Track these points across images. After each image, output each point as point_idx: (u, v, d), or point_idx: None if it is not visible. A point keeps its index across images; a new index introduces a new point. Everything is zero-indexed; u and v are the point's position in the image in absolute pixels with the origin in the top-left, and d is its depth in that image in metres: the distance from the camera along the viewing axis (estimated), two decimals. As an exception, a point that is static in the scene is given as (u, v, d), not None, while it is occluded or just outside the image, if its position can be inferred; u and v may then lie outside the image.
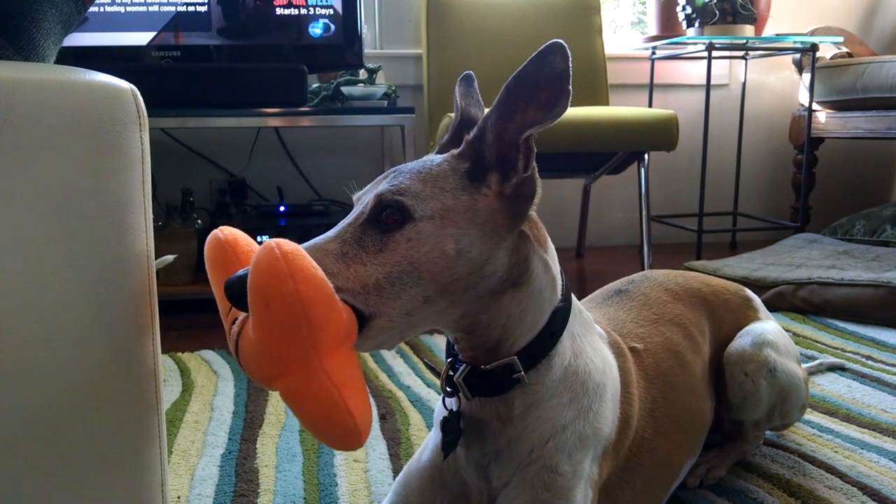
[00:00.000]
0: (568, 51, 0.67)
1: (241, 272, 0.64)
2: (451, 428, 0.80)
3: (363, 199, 0.74)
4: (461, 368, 0.78)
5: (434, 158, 0.75)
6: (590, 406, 0.80)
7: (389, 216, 0.69)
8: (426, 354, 1.78)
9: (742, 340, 1.11)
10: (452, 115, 2.13)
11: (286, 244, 0.62)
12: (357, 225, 0.70)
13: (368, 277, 0.67)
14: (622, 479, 0.86)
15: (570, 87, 0.68)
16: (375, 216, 0.70)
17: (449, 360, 0.80)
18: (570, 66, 0.67)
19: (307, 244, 0.69)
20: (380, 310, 0.68)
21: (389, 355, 1.77)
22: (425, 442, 0.90)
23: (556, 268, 0.79)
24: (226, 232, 0.72)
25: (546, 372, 0.78)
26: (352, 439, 0.64)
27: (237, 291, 0.63)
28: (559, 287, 0.79)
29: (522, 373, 0.76)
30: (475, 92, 0.85)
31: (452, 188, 0.71)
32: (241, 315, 0.66)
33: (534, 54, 0.67)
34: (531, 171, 0.72)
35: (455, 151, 0.74)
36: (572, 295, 0.82)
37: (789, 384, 1.10)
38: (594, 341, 0.84)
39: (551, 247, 0.80)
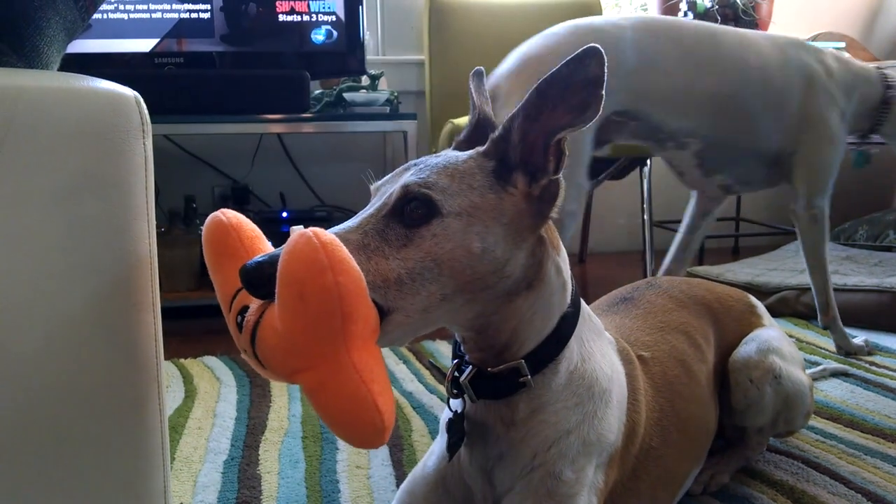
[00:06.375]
0: (604, 56, 0.66)
1: (260, 258, 0.62)
2: (455, 430, 0.80)
3: (384, 189, 0.72)
4: (467, 370, 0.78)
5: (458, 154, 0.74)
6: (595, 411, 0.79)
7: (415, 210, 0.68)
8: (430, 359, 1.78)
9: (747, 347, 1.10)
10: (454, 121, 2.13)
11: (323, 233, 0.59)
12: (380, 216, 0.69)
13: (390, 272, 0.66)
14: (628, 488, 0.86)
15: (604, 93, 0.67)
16: (400, 208, 0.68)
17: (455, 361, 0.80)
18: (606, 71, 0.66)
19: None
20: (398, 305, 0.67)
21: (392, 360, 1.77)
22: (431, 448, 0.89)
23: (567, 272, 0.79)
24: (229, 215, 0.69)
25: (552, 376, 0.77)
26: (377, 437, 0.62)
27: (256, 278, 0.61)
28: (569, 291, 0.78)
29: (528, 377, 0.76)
30: (484, 88, 0.85)
31: (480, 186, 0.70)
32: (255, 303, 0.63)
33: (569, 58, 0.66)
34: (560, 174, 0.72)
35: (480, 149, 0.74)
36: (581, 300, 0.82)
37: (794, 391, 1.10)
38: (603, 347, 0.84)
39: (563, 251, 0.80)
